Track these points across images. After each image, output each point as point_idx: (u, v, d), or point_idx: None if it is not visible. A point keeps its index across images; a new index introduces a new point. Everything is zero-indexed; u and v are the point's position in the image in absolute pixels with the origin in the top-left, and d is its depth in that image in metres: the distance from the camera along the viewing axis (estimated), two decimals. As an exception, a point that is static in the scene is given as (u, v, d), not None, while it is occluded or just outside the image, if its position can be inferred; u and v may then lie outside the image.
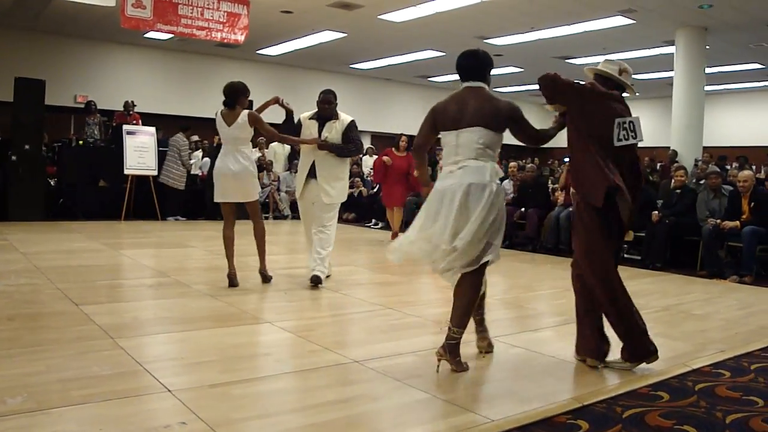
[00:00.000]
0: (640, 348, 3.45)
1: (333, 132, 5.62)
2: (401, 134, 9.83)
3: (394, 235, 9.09)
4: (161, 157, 11.38)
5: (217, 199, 5.51)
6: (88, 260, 6.64)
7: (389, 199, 9.51)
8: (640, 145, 3.54)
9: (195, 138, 12.77)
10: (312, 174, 5.64)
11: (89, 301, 4.61)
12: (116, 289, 5.47)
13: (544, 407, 2.85)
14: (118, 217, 10.79)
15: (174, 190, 11.32)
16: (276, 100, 5.72)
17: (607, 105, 3.46)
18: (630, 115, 3.50)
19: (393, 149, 9.57)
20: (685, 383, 3.27)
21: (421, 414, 2.78)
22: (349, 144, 5.71)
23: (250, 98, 5.56)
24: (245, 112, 5.37)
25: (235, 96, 5.36)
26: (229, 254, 5.50)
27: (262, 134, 5.72)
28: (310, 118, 5.72)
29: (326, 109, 5.65)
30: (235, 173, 5.35)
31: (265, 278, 5.67)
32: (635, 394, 3.07)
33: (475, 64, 3.48)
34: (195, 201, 11.65)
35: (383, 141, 17.91)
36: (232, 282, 5.42)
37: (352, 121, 5.75)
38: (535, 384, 3.22)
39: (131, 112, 12.50)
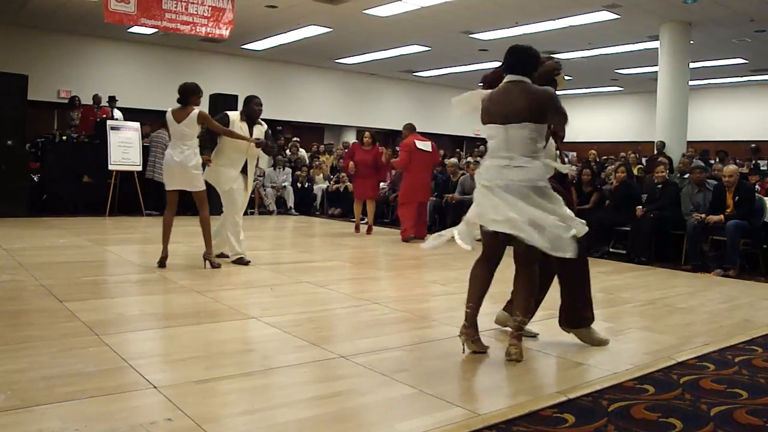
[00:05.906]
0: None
1: (260, 134, 6.41)
2: (366, 130, 10.32)
3: (358, 228, 9.94)
4: (145, 152, 11.29)
5: (167, 187, 6.14)
6: (72, 256, 6.59)
7: (361, 192, 9.88)
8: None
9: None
10: (244, 169, 6.39)
11: (73, 298, 4.57)
12: (101, 285, 5.43)
13: (530, 401, 2.86)
14: (102, 212, 10.71)
15: (162, 185, 11.25)
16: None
17: None
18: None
19: (359, 144, 9.97)
20: (670, 376, 3.30)
21: (408, 408, 2.78)
22: (274, 144, 7.03)
23: (235, 93, 5.67)
24: (196, 110, 5.87)
25: (187, 95, 5.89)
26: (166, 239, 6.06)
27: (213, 131, 6.19)
28: (241, 120, 6.33)
29: (259, 112, 6.41)
30: (179, 163, 5.88)
31: (213, 264, 6.06)
32: (620, 388, 3.09)
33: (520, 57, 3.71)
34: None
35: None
36: (162, 264, 5.96)
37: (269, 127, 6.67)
38: (521, 378, 3.24)
39: (101, 106, 12.40)
